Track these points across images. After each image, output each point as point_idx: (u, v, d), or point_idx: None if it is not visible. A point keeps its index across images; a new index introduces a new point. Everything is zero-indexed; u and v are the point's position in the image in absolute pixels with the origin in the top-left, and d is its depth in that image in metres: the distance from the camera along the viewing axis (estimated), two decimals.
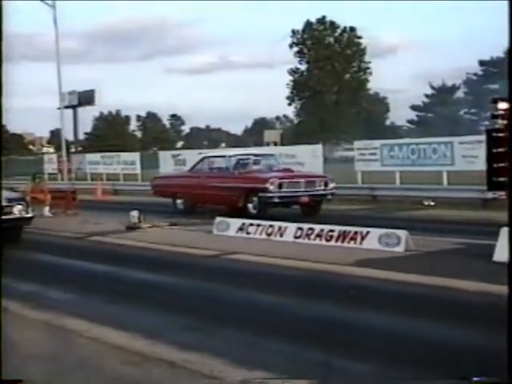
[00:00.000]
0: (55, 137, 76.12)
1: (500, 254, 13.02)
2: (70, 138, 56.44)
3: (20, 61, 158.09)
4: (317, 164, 31.27)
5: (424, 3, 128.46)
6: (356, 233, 15.53)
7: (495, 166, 13.09)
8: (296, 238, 16.67)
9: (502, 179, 13.02)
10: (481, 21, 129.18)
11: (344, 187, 26.94)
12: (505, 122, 12.97)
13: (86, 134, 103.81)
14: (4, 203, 18.30)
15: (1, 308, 7.47)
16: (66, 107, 44.35)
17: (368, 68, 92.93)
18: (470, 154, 25.83)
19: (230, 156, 25.84)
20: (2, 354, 6.25)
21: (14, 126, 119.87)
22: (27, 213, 18.70)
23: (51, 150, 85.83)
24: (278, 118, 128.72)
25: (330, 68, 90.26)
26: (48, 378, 7.40)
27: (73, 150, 51.84)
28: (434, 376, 7.07)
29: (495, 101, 13.44)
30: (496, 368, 7.14)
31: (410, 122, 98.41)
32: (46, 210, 25.69)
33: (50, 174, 46.15)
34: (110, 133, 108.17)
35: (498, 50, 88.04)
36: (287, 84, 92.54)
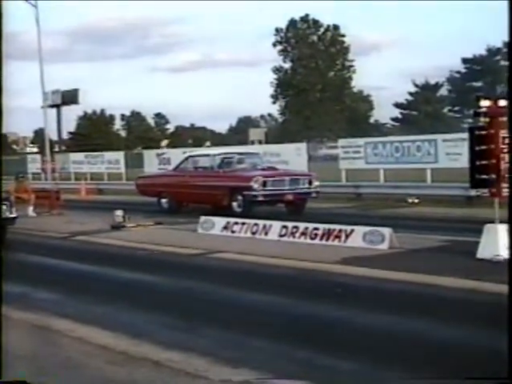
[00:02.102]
0: (39, 136, 75.96)
1: (483, 252, 13.11)
2: (54, 137, 56.31)
3: (3, 59, 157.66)
4: (301, 162, 31.33)
5: (407, 2, 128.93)
6: (340, 231, 15.56)
7: (478, 163, 13.13)
8: (281, 236, 16.69)
9: (484, 177, 13.07)
10: (464, 19, 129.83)
11: (328, 185, 27.00)
12: (487, 119, 13.03)
13: (70, 133, 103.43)
14: None
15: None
16: (50, 106, 44.23)
17: (352, 66, 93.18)
18: (453, 151, 25.96)
19: (215, 155, 25.82)
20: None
21: None
22: (11, 213, 18.63)
23: (35, 149, 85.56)
24: (262, 116, 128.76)
25: (313, 66, 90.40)
26: (34, 378, 7.38)
27: (57, 149, 51.71)
28: (420, 374, 7.10)
29: (478, 99, 13.49)
30: (478, 364, 7.21)
31: (394, 119, 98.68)
32: (30, 210, 25.61)
33: (33, 173, 45.99)
34: (94, 132, 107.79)
35: (481, 48, 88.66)
36: (271, 82, 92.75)
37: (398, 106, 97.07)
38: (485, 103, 13.12)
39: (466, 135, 15.14)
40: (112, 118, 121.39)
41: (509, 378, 4.15)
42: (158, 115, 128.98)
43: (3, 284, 13.05)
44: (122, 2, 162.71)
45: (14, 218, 18.85)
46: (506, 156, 13.09)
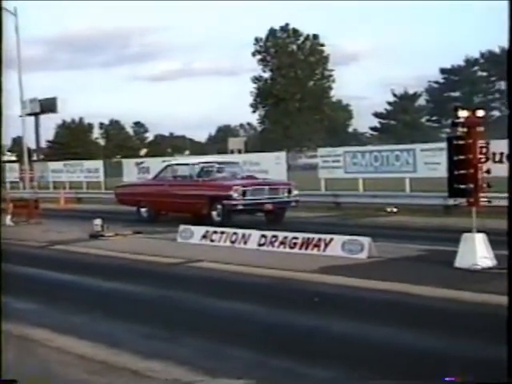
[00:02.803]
0: (17, 145, 75.47)
1: (461, 260, 13.19)
2: (32, 146, 55.99)
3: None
4: (281, 171, 31.36)
5: (386, 12, 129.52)
6: (319, 240, 15.60)
7: (456, 173, 13.21)
8: (260, 245, 16.70)
9: (462, 186, 13.16)
10: (443, 30, 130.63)
11: (308, 194, 27.06)
12: (465, 129, 13.12)
13: (49, 141, 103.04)
14: None
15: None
16: (28, 115, 43.98)
17: (331, 75, 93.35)
18: (431, 161, 26.06)
19: (194, 164, 25.83)
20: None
21: None
22: None
23: (13, 158, 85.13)
24: (241, 125, 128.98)
25: (293, 75, 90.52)
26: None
27: (35, 158, 51.42)
28: (396, 381, 7.13)
29: (456, 109, 13.59)
30: (456, 371, 7.25)
31: (373, 129, 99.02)
32: (8, 219, 25.48)
33: (11, 182, 45.75)
34: (73, 141, 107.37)
35: (459, 59, 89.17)
36: (251, 92, 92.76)
37: (376, 115, 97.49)
38: (463, 113, 13.22)
39: (444, 145, 15.22)
40: (91, 126, 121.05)
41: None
42: (137, 124, 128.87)
43: None
44: (102, 11, 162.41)
45: None
46: (484, 166, 13.21)
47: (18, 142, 70.11)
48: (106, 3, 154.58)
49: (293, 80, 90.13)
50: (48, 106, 53.28)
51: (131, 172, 39.35)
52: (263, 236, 16.85)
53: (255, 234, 17.10)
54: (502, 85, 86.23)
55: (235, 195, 22.59)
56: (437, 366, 7.63)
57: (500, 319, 9.76)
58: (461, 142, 13.17)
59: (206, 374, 7.35)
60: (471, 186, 13.11)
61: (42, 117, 57.84)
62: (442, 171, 17.76)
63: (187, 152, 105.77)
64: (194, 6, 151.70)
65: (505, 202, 21.40)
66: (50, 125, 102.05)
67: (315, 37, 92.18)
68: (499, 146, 23.15)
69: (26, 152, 39.41)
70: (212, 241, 17.87)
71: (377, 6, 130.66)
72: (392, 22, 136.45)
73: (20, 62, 34.83)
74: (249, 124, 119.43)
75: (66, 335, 9.42)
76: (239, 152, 62.76)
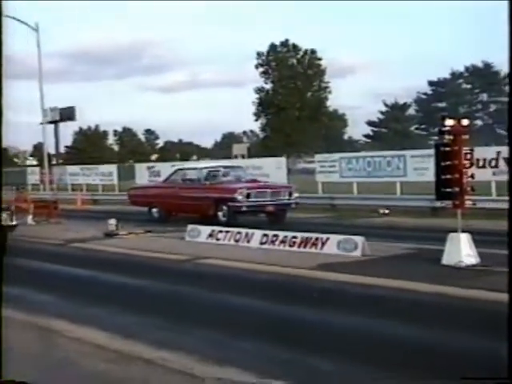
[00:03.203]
0: (38, 150, 75.55)
1: (448, 258, 13.19)
2: (52, 151, 55.85)
3: (6, 79, 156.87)
4: (281, 175, 31.34)
5: (378, 29, 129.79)
6: (317, 239, 15.60)
7: (443, 177, 13.22)
8: (262, 243, 16.71)
9: (449, 190, 13.17)
10: (431, 45, 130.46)
11: (306, 197, 27.04)
12: (451, 137, 13.13)
13: (67, 147, 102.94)
14: None
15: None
16: (49, 122, 43.94)
17: (327, 87, 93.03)
18: (420, 166, 26.03)
19: (201, 168, 25.85)
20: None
21: None
22: (11, 221, 18.60)
23: (34, 162, 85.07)
24: (245, 132, 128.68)
25: (292, 87, 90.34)
26: (34, 376, 7.37)
27: (54, 162, 51.34)
28: (392, 371, 7.14)
29: (443, 118, 13.62)
30: (444, 363, 7.26)
31: (366, 136, 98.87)
32: (30, 219, 25.50)
33: (33, 184, 45.76)
34: (89, 146, 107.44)
35: (445, 72, 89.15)
36: (253, 101, 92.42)
37: (370, 124, 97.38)
38: (449, 122, 13.24)
39: (432, 151, 15.21)
40: (105, 133, 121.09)
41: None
42: (148, 131, 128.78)
43: (4, 287, 13.02)
44: (115, 27, 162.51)
45: (14, 225, 18.81)
46: (468, 171, 13.23)
47: (38, 147, 70.21)
48: (119, 20, 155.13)
49: (292, 91, 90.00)
50: (67, 114, 53.19)
51: (143, 175, 39.32)
52: (265, 235, 16.86)
53: (258, 234, 17.10)
54: (485, 96, 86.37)
55: (239, 197, 22.60)
56: (427, 355, 7.66)
57: (483, 311, 9.84)
58: (447, 149, 13.18)
59: (214, 364, 7.35)
60: (457, 189, 13.11)
61: (61, 124, 57.72)
62: (430, 176, 17.75)
63: (195, 157, 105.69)
64: (201, 22, 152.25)
65: (487, 205, 21.49)
66: (68, 132, 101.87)
67: (313, 51, 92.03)
68: (482, 152, 23.24)
69: (46, 157, 39.40)
70: (218, 239, 17.87)
71: (369, 24, 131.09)
72: (383, 39, 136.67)
73: (41, 74, 34.90)
74: (252, 131, 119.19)
75: (83, 326, 9.42)
76: (243, 157, 62.57)
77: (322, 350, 7.97)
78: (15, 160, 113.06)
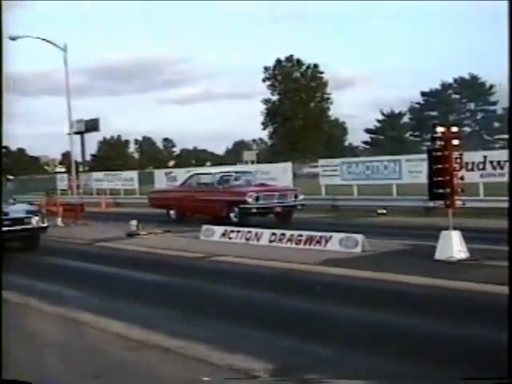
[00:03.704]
0: (66, 158, 75.82)
1: (440, 254, 13.15)
2: (79, 159, 56.09)
3: (37, 95, 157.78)
4: (287, 179, 31.32)
5: (374, 46, 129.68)
6: (321, 237, 15.57)
7: (435, 179, 13.20)
8: (270, 242, 16.69)
9: (440, 191, 13.14)
10: (422, 60, 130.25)
11: (310, 198, 26.96)
12: (442, 143, 13.11)
13: (92, 155, 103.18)
14: (23, 215, 18.28)
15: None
16: (75, 133, 44.02)
17: (329, 98, 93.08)
18: (414, 169, 25.99)
19: (215, 173, 25.83)
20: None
21: (32, 150, 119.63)
22: (43, 223, 18.62)
23: (63, 169, 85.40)
24: (254, 140, 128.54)
25: (297, 98, 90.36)
26: (61, 362, 7.39)
27: (81, 169, 51.52)
28: (391, 359, 7.12)
29: (434, 126, 13.61)
30: (430, 350, 7.24)
31: (365, 143, 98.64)
32: (59, 221, 25.55)
33: (61, 190, 45.79)
34: (112, 154, 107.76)
35: (436, 83, 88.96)
36: (261, 112, 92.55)
37: (368, 131, 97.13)
38: (440, 129, 13.23)
39: (425, 156, 15.16)
40: (127, 142, 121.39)
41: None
42: (166, 140, 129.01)
43: (36, 283, 13.08)
44: (137, 45, 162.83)
45: (46, 227, 18.84)
46: (458, 173, 13.19)
47: (67, 156, 70.35)
48: (140, 40, 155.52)
49: (297, 102, 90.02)
50: (92, 125, 53.44)
51: (161, 180, 39.35)
52: (273, 234, 16.84)
53: (266, 233, 17.08)
54: (472, 105, 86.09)
55: (250, 200, 22.60)
56: (423, 341, 7.65)
57: (471, 301, 9.83)
58: (439, 154, 13.16)
59: (227, 352, 7.33)
60: (448, 190, 13.09)
61: (87, 134, 58.02)
62: (423, 178, 17.70)
63: (208, 163, 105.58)
64: (214, 41, 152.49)
65: (475, 204, 21.33)
66: (93, 141, 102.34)
67: (315, 66, 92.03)
68: (470, 156, 23.17)
69: (74, 164, 39.36)
70: (230, 238, 17.86)
71: (367, 41, 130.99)
72: (380, 54, 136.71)
73: (68, 90, 34.87)
74: (260, 139, 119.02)
75: (107, 318, 9.42)
76: (252, 163, 62.52)
77: (322, 338, 7.96)
78: (46, 168, 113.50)
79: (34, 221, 18.29)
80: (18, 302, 10.93)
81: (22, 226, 17.98)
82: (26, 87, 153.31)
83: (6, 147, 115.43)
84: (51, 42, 34.20)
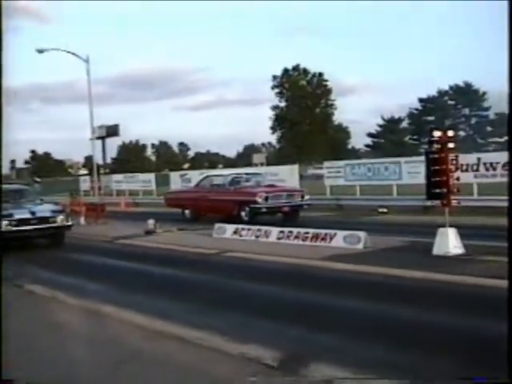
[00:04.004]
0: (88, 161, 76.08)
1: (438, 249, 13.13)
2: (100, 162, 56.30)
3: (62, 103, 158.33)
4: (294, 180, 31.27)
5: (377, 54, 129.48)
6: (326, 234, 15.57)
7: (433, 180, 13.18)
8: (278, 239, 16.69)
9: (438, 190, 13.12)
10: (420, 68, 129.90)
11: (316, 198, 26.93)
12: (439, 146, 13.09)
13: (113, 158, 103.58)
14: (50, 214, 18.38)
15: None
16: (97, 138, 44.15)
17: (333, 104, 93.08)
18: (413, 170, 25.91)
19: (227, 175, 25.87)
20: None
21: (57, 154, 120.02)
22: (67, 221, 18.71)
23: (85, 172, 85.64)
24: (263, 144, 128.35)
25: (303, 105, 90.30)
26: (84, 350, 7.41)
27: (102, 171, 51.64)
28: (390, 348, 7.12)
29: (432, 130, 13.57)
30: (427, 334, 7.23)
31: (367, 146, 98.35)
32: (82, 220, 25.64)
33: (84, 191, 45.94)
34: (131, 158, 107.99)
35: (433, 90, 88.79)
36: (270, 117, 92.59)
37: (369, 135, 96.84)
38: (437, 133, 13.22)
39: (423, 158, 15.15)
40: (145, 146, 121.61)
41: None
42: (181, 144, 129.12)
43: (62, 277, 13.13)
44: (154, 56, 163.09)
45: (70, 225, 18.92)
46: (454, 174, 13.16)
47: (89, 159, 70.53)
48: (156, 51, 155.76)
49: (303, 108, 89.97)
50: (112, 131, 53.54)
51: (176, 182, 39.36)
52: (281, 232, 16.84)
53: (275, 230, 17.09)
54: (467, 111, 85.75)
55: (259, 200, 22.60)
56: (424, 332, 7.64)
57: (466, 293, 9.81)
58: (436, 156, 13.14)
59: (240, 342, 7.33)
60: (444, 190, 13.06)
61: (108, 139, 58.18)
62: (421, 179, 17.66)
63: (220, 166, 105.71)
64: (226, 52, 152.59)
65: (470, 203, 21.23)
66: (113, 146, 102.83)
67: (320, 74, 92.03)
68: (465, 158, 23.09)
69: (95, 167, 39.53)
70: (241, 236, 17.88)
71: (369, 51, 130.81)
72: (381, 63, 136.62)
73: (91, 98, 35.02)
74: (269, 143, 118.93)
75: (126, 310, 9.44)
76: (261, 165, 62.40)
77: (327, 327, 7.99)
78: (70, 170, 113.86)
79: (59, 220, 18.38)
80: (45, 295, 10.99)
81: (48, 225, 18.08)
82: (52, 96, 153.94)
83: (33, 151, 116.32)
84: (75, 54, 34.35)
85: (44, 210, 18.70)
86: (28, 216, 17.85)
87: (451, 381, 6.09)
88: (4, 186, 23.50)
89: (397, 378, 5.99)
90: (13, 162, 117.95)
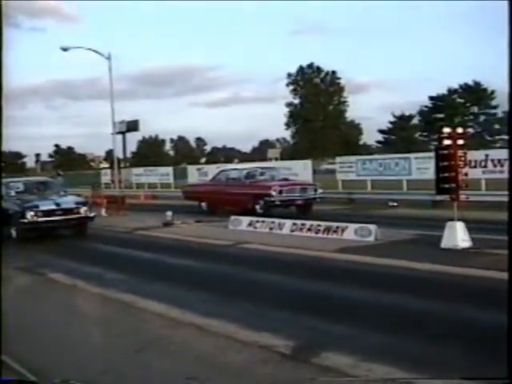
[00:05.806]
0: (109, 155, 76.30)
1: (446, 242, 13.07)
2: (121, 156, 56.37)
3: (85, 99, 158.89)
4: (307, 175, 31.19)
5: (389, 52, 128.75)
6: (337, 227, 15.53)
7: (441, 175, 13.11)
8: (292, 231, 16.67)
9: (446, 186, 13.06)
10: (431, 67, 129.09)
11: (329, 192, 26.85)
12: (448, 142, 13.02)
13: (133, 153, 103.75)
14: (74, 205, 18.49)
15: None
16: (118, 133, 44.18)
17: (346, 101, 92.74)
18: (423, 166, 25.78)
19: (242, 169, 25.86)
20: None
21: (80, 148, 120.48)
22: (90, 213, 18.80)
23: (106, 165, 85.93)
24: (278, 139, 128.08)
25: (317, 102, 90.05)
26: (103, 339, 7.46)
27: (122, 165, 51.75)
28: (401, 336, 7.10)
29: (441, 127, 13.51)
30: (431, 324, 7.18)
31: (378, 142, 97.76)
32: (103, 211, 25.72)
33: (105, 183, 46.08)
34: (150, 152, 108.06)
35: (443, 88, 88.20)
36: (285, 114, 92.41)
37: (381, 131, 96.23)
38: (446, 130, 13.16)
39: (432, 154, 15.07)
40: (163, 141, 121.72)
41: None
42: (199, 139, 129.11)
43: (84, 266, 13.19)
44: (173, 54, 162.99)
45: (93, 217, 19.01)
46: (463, 170, 13.09)
47: (110, 153, 70.79)
48: (175, 49, 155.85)
49: (317, 105, 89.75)
50: (132, 126, 53.49)
51: (194, 175, 39.37)
52: (294, 224, 16.82)
53: (288, 223, 17.07)
54: (475, 109, 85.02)
55: (274, 193, 22.57)
56: (429, 321, 7.61)
57: (473, 285, 9.77)
58: (445, 152, 13.07)
59: (251, 330, 7.34)
60: (453, 185, 13.00)
61: (128, 134, 58.21)
62: (430, 174, 17.59)
63: (236, 160, 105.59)
64: (242, 51, 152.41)
65: (477, 198, 21.10)
66: (133, 140, 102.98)
67: (333, 72, 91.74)
68: (473, 155, 22.94)
69: (116, 161, 39.68)
70: (255, 228, 17.87)
71: (380, 50, 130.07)
72: (392, 62, 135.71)
73: (112, 94, 35.17)
74: (283, 138, 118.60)
75: (145, 299, 9.47)
76: (276, 160, 62.30)
77: (340, 317, 7.97)
78: (92, 164, 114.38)
79: (83, 211, 18.47)
80: (67, 284, 11.06)
81: (73, 216, 18.18)
82: (75, 92, 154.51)
83: (57, 145, 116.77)
84: (97, 52, 34.47)
85: (68, 201, 18.81)
86: (53, 207, 17.97)
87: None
88: (29, 178, 23.71)
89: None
90: (38, 155, 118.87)
